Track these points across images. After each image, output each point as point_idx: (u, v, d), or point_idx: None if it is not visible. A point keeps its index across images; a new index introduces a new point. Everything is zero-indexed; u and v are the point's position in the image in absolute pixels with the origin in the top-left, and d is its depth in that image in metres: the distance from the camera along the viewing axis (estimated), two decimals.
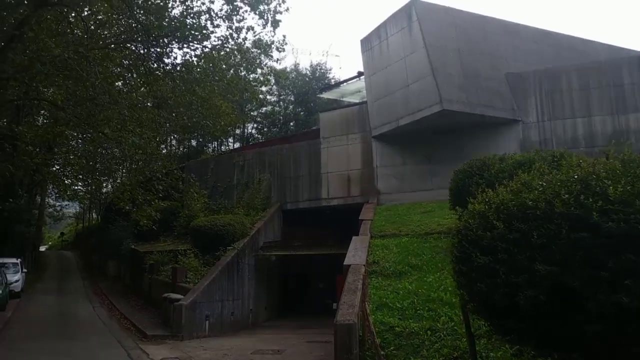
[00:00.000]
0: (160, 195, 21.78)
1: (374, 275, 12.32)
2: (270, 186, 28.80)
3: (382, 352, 8.80)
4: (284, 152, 29.21)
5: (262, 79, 23.32)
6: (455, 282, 6.83)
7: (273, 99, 50.14)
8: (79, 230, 67.65)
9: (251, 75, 23.06)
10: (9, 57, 15.02)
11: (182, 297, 17.62)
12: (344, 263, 12.38)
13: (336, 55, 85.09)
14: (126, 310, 22.27)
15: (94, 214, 70.48)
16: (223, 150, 44.91)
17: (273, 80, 36.78)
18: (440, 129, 24.78)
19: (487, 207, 6.23)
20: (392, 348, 9.11)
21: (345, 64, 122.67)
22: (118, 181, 32.32)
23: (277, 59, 38.24)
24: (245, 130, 51.19)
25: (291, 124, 48.12)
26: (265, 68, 21.95)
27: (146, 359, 12.65)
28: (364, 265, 12.28)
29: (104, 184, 50.12)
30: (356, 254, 13.12)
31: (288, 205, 28.48)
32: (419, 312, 9.93)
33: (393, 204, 23.57)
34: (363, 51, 27.41)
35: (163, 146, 42.21)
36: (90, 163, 27.11)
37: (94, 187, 53.12)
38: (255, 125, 51.49)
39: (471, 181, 13.39)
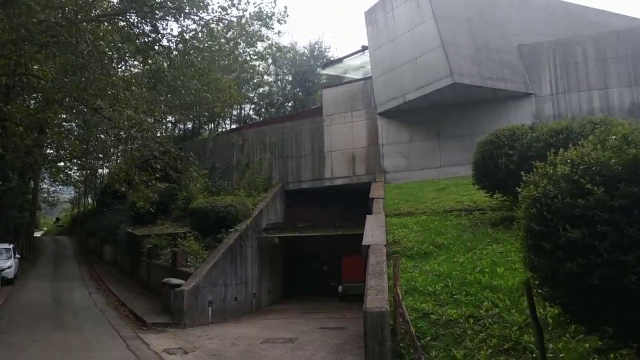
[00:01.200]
0: (158, 175, 20.49)
1: (395, 256, 11.03)
2: (271, 166, 27.45)
3: (419, 343, 7.55)
4: (285, 131, 27.80)
5: (263, 51, 21.93)
6: (525, 262, 5.54)
7: (270, 79, 48.57)
8: (75, 216, 66.13)
9: (250, 49, 21.68)
10: None
11: (183, 282, 16.33)
12: (363, 243, 11.10)
13: (332, 37, 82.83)
14: (124, 296, 20.98)
15: (89, 199, 68.97)
16: (220, 132, 43.49)
17: (274, 55, 35.25)
18: (449, 104, 23.47)
19: (573, 169, 4.91)
20: (428, 338, 7.87)
21: (342, 46, 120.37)
22: (113, 163, 30.85)
23: (279, 31, 36.67)
24: (243, 111, 49.66)
25: (289, 104, 46.62)
26: (266, 41, 20.58)
27: (146, 350, 11.37)
28: (385, 245, 11.02)
29: (99, 167, 48.83)
30: (374, 233, 11.85)
31: (290, 186, 27.17)
32: (455, 296, 8.67)
33: (403, 182, 22.31)
34: (367, 24, 25.92)
35: (157, 130, 40.74)
36: (84, 146, 25.79)
37: (88, 171, 51.77)
38: (252, 107, 49.95)
39: (500, 152, 12.11)
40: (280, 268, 25.73)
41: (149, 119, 19.30)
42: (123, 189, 20.77)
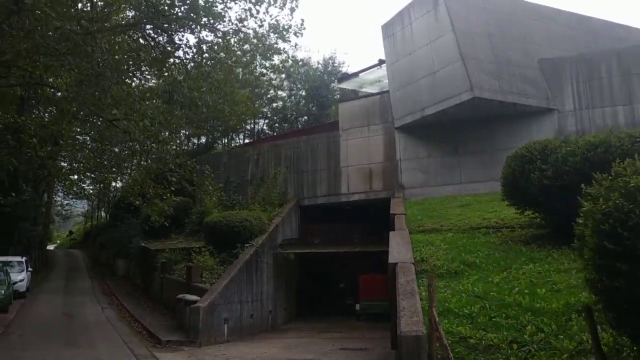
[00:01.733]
0: (173, 189, 20.07)
1: (424, 275, 10.43)
2: (286, 181, 26.95)
3: None
4: (300, 145, 27.35)
5: (279, 64, 21.55)
6: (589, 284, 4.95)
7: (284, 94, 48.27)
8: (88, 229, 65.96)
9: (267, 62, 21.35)
10: (6, 31, 13.23)
11: (198, 298, 15.79)
12: (390, 261, 10.51)
13: (345, 53, 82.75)
14: (137, 312, 20.46)
15: (102, 213, 68.84)
16: (234, 146, 43.14)
17: (288, 70, 34.95)
18: (468, 119, 22.93)
19: None
20: None
21: (354, 63, 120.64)
22: (127, 176, 30.49)
23: (295, 44, 36.64)
24: (256, 126, 49.36)
25: (302, 119, 46.22)
26: (283, 54, 20.23)
27: None
28: (413, 263, 10.42)
29: (113, 180, 48.68)
30: (400, 250, 11.26)
31: (305, 201, 26.64)
32: (494, 319, 8.04)
33: (422, 198, 21.70)
34: (384, 37, 25.53)
35: (172, 143, 40.52)
36: (98, 160, 25.47)
37: (102, 185, 51.58)
38: (266, 122, 49.65)
39: (532, 167, 11.51)
40: (295, 285, 25.10)
41: (164, 132, 18.89)
42: (137, 202, 20.34)
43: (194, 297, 15.92)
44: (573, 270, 9.07)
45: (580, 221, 5.17)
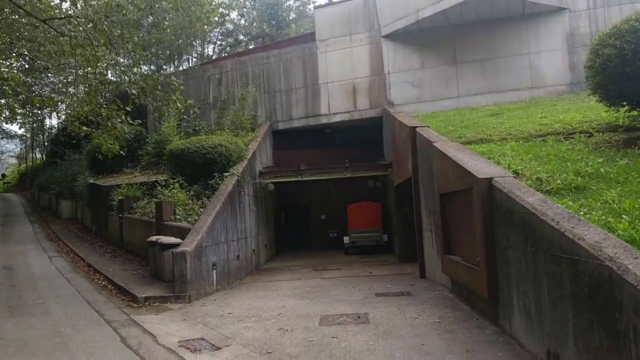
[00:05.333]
0: (129, 108, 15.93)
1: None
2: (255, 103, 22.98)
3: None
4: (270, 61, 23.24)
5: None
6: None
7: (234, 16, 43.07)
8: (23, 171, 59.48)
9: None
10: None
11: (178, 240, 12.18)
12: (479, 176, 7.21)
13: None
14: (94, 259, 16.60)
15: (37, 154, 62.26)
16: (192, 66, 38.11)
17: None
18: (469, 22, 19.64)
19: None
20: None
21: None
22: (70, 100, 25.60)
23: None
24: (205, 50, 44.17)
25: (257, 41, 41.41)
26: None
27: (154, 347, 7.35)
28: (514, 177, 7.21)
29: (47, 116, 42.77)
30: (477, 163, 8.02)
31: (279, 125, 22.89)
32: None
33: (428, 113, 18.46)
34: None
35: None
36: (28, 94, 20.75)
37: (34, 124, 45.43)
38: (215, 47, 44.49)
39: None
40: (272, 219, 21.75)
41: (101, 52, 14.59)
42: (85, 129, 16.01)
43: (171, 239, 12.29)
44: None
45: None
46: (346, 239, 20.74)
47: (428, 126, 13.05)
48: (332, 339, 7.11)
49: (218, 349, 7.13)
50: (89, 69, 14.34)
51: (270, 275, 15.54)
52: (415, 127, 13.00)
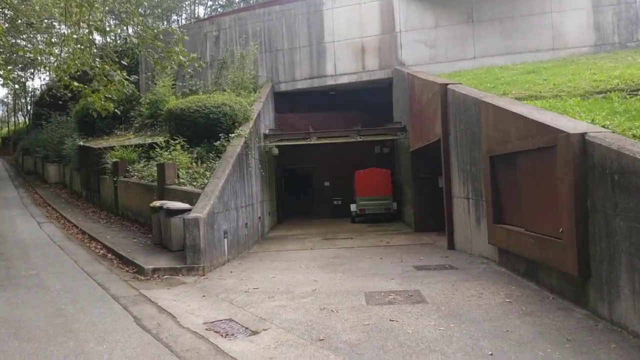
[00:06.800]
0: (125, 62, 14.37)
1: None
2: (256, 62, 21.35)
3: None
4: (272, 18, 21.55)
5: None
6: None
7: None
8: (5, 135, 57.01)
9: None
10: None
11: (187, 206, 10.84)
12: (569, 131, 5.94)
13: None
14: (88, 226, 15.18)
15: (20, 117, 59.77)
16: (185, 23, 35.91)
17: None
18: None
19: None
20: None
21: None
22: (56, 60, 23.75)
23: None
24: (196, 11, 41.94)
25: (254, 1, 39.26)
26: None
27: (177, 330, 6.08)
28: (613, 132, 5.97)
29: (29, 78, 40.48)
30: (554, 117, 6.75)
31: (281, 86, 21.37)
32: None
33: (457, 71, 17.09)
34: None
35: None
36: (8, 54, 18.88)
37: (16, 86, 43.12)
38: (205, 9, 42.29)
39: None
40: (274, 185, 20.42)
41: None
42: (75, 84, 14.34)
43: (180, 205, 10.93)
44: None
45: None
46: (353, 207, 19.56)
47: (461, 83, 11.73)
48: (392, 322, 5.89)
49: (254, 333, 5.87)
50: (82, 16, 12.73)
51: (279, 245, 14.31)
52: (447, 84, 11.67)
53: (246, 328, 6.07)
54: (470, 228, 10.48)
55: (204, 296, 7.70)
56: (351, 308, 6.59)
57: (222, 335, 5.84)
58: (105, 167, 17.86)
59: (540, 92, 9.77)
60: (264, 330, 5.94)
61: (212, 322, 6.39)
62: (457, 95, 10.84)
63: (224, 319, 6.48)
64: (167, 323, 6.34)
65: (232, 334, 5.88)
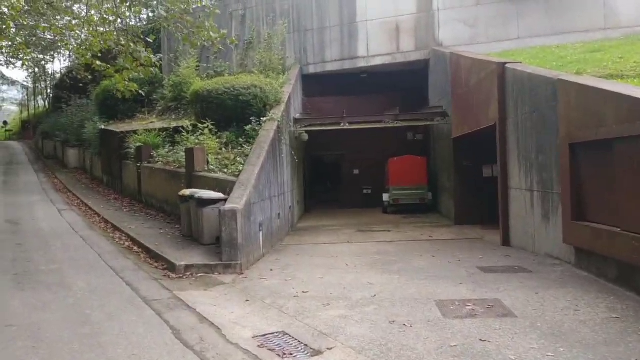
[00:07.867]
0: (151, 40, 13.40)
1: None
2: (284, 43, 20.23)
3: None
4: None
5: None
6: None
7: None
8: (25, 119, 56.55)
9: None
10: None
11: (222, 195, 9.85)
12: None
13: None
14: (110, 214, 14.32)
15: (40, 102, 59.21)
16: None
17: None
18: None
19: None
20: None
21: None
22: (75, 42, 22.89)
23: None
24: None
25: None
26: None
27: (220, 342, 5.11)
28: None
29: (50, 61, 39.84)
30: None
31: (310, 68, 20.27)
32: None
33: (502, 52, 15.78)
34: None
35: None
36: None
37: (36, 69, 42.45)
38: None
39: None
40: (302, 173, 19.41)
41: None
42: (98, 64, 13.30)
43: (213, 194, 9.95)
44: None
45: None
46: (386, 197, 18.47)
47: (520, 62, 10.53)
48: (484, 343, 4.84)
49: (318, 353, 4.86)
50: None
51: (311, 237, 13.31)
52: (505, 62, 10.48)
53: (305, 345, 5.06)
54: (534, 224, 9.36)
55: (247, 300, 6.71)
56: (426, 322, 5.54)
57: (279, 355, 4.83)
58: (128, 152, 16.97)
59: (621, 70, 8.57)
60: (327, 349, 4.92)
61: (264, 335, 5.39)
62: (520, 75, 9.65)
63: (277, 332, 5.48)
64: (211, 337, 5.35)
65: (291, 353, 4.87)
